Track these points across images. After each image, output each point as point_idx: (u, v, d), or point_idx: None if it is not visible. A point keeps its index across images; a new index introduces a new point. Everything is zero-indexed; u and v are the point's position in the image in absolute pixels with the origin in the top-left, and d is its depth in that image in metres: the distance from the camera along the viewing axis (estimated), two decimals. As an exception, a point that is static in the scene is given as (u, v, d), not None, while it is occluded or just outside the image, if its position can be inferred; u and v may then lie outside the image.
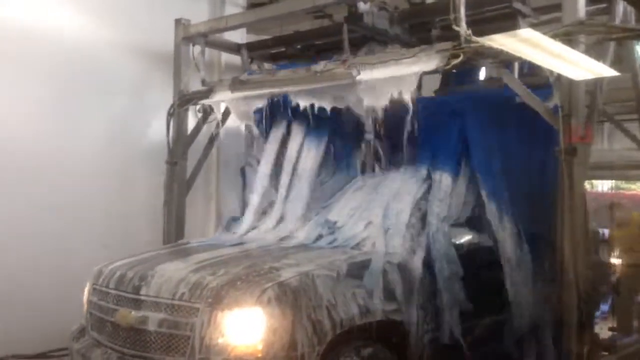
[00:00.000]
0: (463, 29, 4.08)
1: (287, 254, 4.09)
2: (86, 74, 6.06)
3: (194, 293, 3.49)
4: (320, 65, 4.92)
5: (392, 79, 4.43)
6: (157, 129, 6.43)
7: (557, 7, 4.38)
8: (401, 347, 3.90)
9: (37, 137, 5.69)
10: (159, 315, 3.53)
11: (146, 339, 3.55)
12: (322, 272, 3.64)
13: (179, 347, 3.44)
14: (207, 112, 6.19)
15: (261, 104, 5.37)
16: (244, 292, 3.39)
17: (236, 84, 5.59)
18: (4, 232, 5.35)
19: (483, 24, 4.78)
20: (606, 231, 8.15)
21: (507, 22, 5.03)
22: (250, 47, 6.98)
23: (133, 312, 3.66)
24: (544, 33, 3.56)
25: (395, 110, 4.58)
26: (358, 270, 3.80)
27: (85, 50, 6.06)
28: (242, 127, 5.82)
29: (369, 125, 4.95)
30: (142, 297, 3.68)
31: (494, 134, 4.77)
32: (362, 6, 5.47)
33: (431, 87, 6.40)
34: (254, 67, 6.89)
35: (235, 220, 5.37)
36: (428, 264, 4.14)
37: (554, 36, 3.68)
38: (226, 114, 6.00)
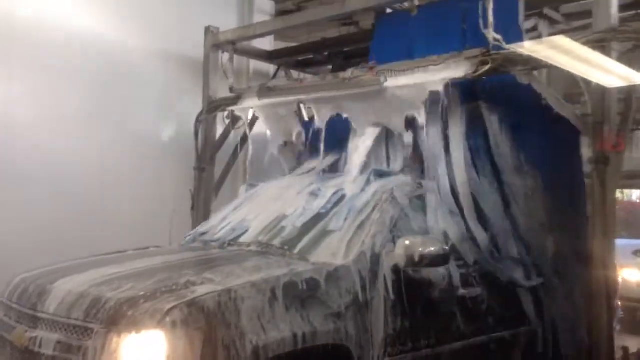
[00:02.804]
0: (492, 35, 4.05)
1: (217, 265, 3.51)
2: (118, 81, 6.21)
3: (89, 312, 2.97)
4: (348, 72, 4.92)
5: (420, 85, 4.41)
6: (187, 135, 6.51)
7: (589, 14, 4.33)
8: None
9: (72, 143, 5.84)
10: (54, 337, 3.04)
11: None
12: (250, 291, 3.05)
13: None
14: (235, 118, 6.25)
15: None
16: (144, 312, 2.85)
17: (264, 91, 5.63)
18: (40, 237, 5.46)
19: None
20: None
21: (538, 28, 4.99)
22: (278, 54, 7.03)
23: (28, 332, 3.16)
24: (576, 40, 3.52)
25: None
26: (298, 289, 3.22)
27: (117, 58, 6.20)
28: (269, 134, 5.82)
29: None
30: (39, 315, 3.19)
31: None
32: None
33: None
34: (282, 74, 6.94)
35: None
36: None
37: (586, 43, 3.63)
38: (254, 120, 6.04)
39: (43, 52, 5.69)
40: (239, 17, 7.38)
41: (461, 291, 4.01)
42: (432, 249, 3.63)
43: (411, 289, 3.71)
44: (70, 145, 5.82)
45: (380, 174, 4.44)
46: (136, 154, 6.33)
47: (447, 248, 3.76)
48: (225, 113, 6.25)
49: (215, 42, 6.44)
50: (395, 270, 3.65)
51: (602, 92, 3.94)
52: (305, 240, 3.86)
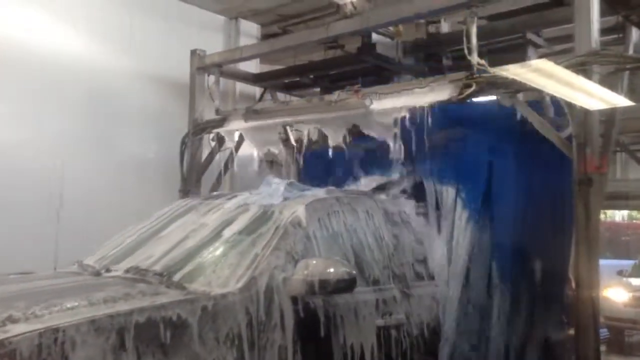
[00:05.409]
0: (476, 59, 4.10)
1: (63, 296, 2.83)
2: (104, 104, 6.21)
3: None
4: (334, 95, 4.95)
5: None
6: (172, 158, 6.48)
7: (571, 38, 4.40)
8: None
9: (56, 165, 5.75)
10: None
11: None
12: (87, 332, 2.43)
13: None
14: (220, 140, 6.24)
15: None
16: None
17: (250, 113, 5.64)
18: (22, 258, 5.35)
19: (496, 54, 4.81)
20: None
21: (520, 52, 5.06)
22: (264, 77, 7.06)
23: None
24: (558, 63, 3.57)
25: None
26: (157, 330, 2.60)
27: (103, 81, 6.20)
28: (256, 156, 5.82)
29: None
30: None
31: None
32: (375, 37, 5.54)
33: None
34: (268, 96, 6.97)
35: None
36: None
37: (568, 66, 3.68)
38: (240, 142, 6.04)
39: (28, 74, 5.67)
40: (224, 40, 7.42)
41: (379, 321, 3.51)
42: (336, 272, 3.09)
43: (313, 323, 3.18)
44: (55, 167, 5.75)
45: (295, 189, 4.06)
46: (121, 177, 6.28)
47: (354, 272, 3.19)
48: (211, 135, 6.25)
49: (201, 65, 6.45)
50: (294, 300, 3.12)
51: (584, 115, 3.99)
52: (191, 266, 3.28)
